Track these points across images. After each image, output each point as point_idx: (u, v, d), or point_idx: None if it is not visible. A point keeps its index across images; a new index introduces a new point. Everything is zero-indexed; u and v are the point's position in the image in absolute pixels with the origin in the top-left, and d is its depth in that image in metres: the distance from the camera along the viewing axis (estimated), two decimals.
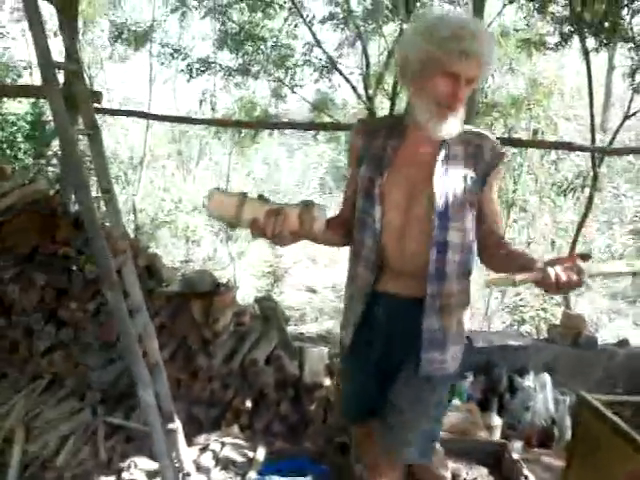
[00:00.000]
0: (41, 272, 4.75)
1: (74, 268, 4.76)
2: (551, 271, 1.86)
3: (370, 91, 9.19)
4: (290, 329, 5.15)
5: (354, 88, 9.65)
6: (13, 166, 5.55)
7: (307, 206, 2.07)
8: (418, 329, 2.33)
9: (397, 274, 2.34)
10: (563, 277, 1.85)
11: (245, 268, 10.29)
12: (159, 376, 3.32)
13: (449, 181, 2.23)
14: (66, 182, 5.46)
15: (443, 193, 2.22)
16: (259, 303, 4.96)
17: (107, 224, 3.65)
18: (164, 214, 11.83)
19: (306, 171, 17.66)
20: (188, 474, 3.43)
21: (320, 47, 9.73)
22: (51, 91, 2.76)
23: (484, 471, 3.74)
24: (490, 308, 8.49)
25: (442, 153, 2.25)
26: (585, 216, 7.84)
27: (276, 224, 2.05)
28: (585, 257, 1.95)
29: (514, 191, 9.65)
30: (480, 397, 4.73)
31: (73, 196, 5.34)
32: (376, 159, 2.31)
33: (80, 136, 5.14)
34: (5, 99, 10.59)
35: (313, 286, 10.52)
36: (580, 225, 7.85)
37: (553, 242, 10.09)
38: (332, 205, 15.57)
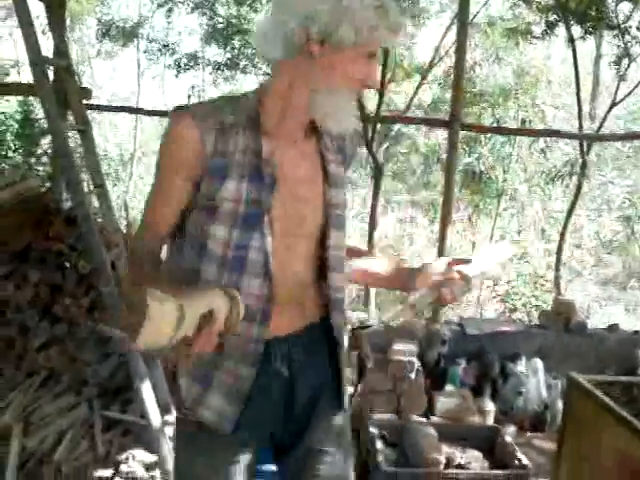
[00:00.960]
0: (35, 269, 4.77)
1: (67, 264, 4.78)
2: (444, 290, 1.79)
3: None
4: None
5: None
6: (3, 164, 5.54)
7: (234, 298, 1.58)
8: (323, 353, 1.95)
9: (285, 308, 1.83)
10: (448, 295, 1.79)
11: None
12: (155, 369, 3.35)
13: (336, 187, 1.88)
14: (57, 179, 5.47)
15: (335, 203, 1.87)
16: None
17: (100, 219, 3.67)
18: None
19: None
20: None
21: None
22: (42, 88, 2.80)
23: (478, 455, 3.79)
24: (482, 296, 8.58)
25: (327, 153, 1.87)
26: (574, 204, 7.90)
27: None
28: (465, 261, 1.84)
29: (504, 180, 9.72)
30: (473, 383, 4.78)
31: (65, 193, 5.36)
32: (250, 169, 1.71)
33: (71, 133, 5.16)
34: None
35: None
36: (569, 213, 7.91)
37: (543, 230, 10.19)
38: None
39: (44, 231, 4.84)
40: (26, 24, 2.71)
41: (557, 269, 7.67)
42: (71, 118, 3.12)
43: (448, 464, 3.56)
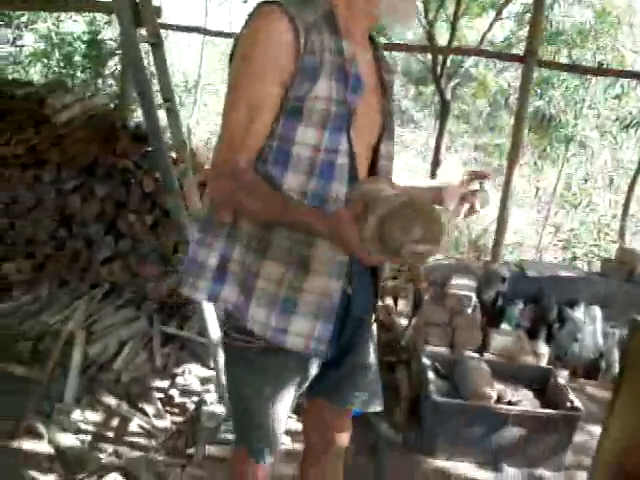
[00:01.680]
0: (101, 184, 4.88)
1: (132, 181, 4.87)
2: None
3: (430, 15, 8.92)
4: None
5: None
6: (72, 83, 5.62)
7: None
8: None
9: None
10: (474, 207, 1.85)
11: None
12: None
13: (390, 96, 1.86)
14: (125, 97, 5.52)
15: (389, 111, 1.85)
16: None
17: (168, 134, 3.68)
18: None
19: None
20: None
21: None
22: (120, 2, 2.80)
23: (529, 394, 3.78)
24: (542, 243, 8.41)
25: (383, 62, 1.85)
26: None
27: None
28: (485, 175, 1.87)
29: (574, 125, 9.39)
30: (528, 325, 4.73)
31: (131, 112, 5.42)
32: (337, 69, 1.61)
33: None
34: (62, 18, 10.65)
35: None
36: None
37: (612, 180, 9.86)
38: None
39: (111, 147, 4.93)
40: None
41: (623, 219, 7.46)
42: (144, 33, 3.09)
43: (499, 400, 3.56)
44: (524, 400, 3.67)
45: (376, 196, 1.49)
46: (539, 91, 9.52)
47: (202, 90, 12.65)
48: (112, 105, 5.37)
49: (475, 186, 1.84)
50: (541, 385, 3.87)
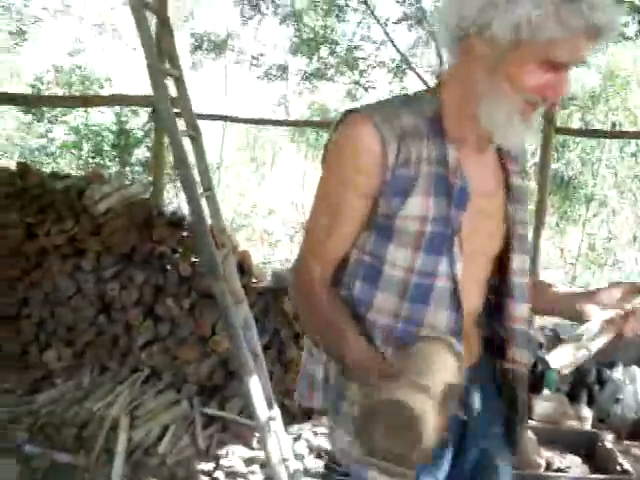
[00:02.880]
0: (139, 270, 5.02)
1: (169, 266, 5.00)
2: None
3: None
4: None
5: (428, 87, 9.66)
6: (110, 172, 5.86)
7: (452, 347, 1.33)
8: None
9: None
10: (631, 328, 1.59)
11: None
12: (260, 366, 3.47)
13: (519, 202, 1.65)
14: (158, 186, 5.72)
15: (519, 220, 1.64)
16: None
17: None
18: (241, 217, 12.19)
19: None
20: (287, 459, 3.57)
21: (394, 46, 9.81)
22: (160, 97, 2.97)
23: (577, 460, 3.75)
24: None
25: (509, 164, 1.64)
26: None
27: None
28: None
29: (593, 185, 9.50)
30: (568, 390, 4.71)
31: (166, 198, 5.59)
32: (437, 182, 1.46)
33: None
34: (89, 110, 11.11)
35: None
36: None
37: (635, 237, 9.89)
38: None
39: (148, 234, 5.09)
40: (144, 31, 2.88)
41: None
42: (181, 125, 3.27)
43: (548, 467, 3.54)
44: (572, 466, 3.64)
45: (394, 373, 1.25)
46: (556, 154, 9.70)
47: (225, 171, 13.01)
48: (147, 193, 5.56)
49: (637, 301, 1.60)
50: (588, 450, 3.84)
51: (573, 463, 3.69)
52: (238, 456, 4.23)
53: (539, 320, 6.20)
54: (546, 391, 4.37)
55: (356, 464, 1.55)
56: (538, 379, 4.32)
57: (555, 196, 9.97)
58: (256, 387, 3.23)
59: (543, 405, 4.08)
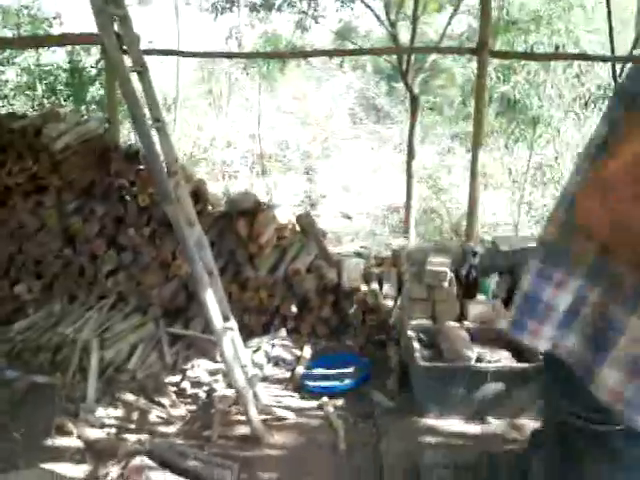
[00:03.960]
0: (100, 204, 5.26)
1: (128, 198, 5.25)
2: None
3: (392, 17, 9.36)
4: (330, 250, 5.60)
5: (377, 16, 9.83)
6: (65, 110, 5.97)
7: None
8: None
9: None
10: None
11: (281, 198, 10.77)
12: (215, 283, 3.78)
13: None
14: (114, 121, 5.89)
15: None
16: (298, 219, 5.40)
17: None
18: (200, 151, 12.32)
19: (335, 102, 17.84)
20: (245, 366, 3.92)
21: None
22: (107, 37, 3.18)
23: (507, 354, 4.16)
24: (518, 222, 8.83)
25: None
26: None
27: None
28: None
29: (539, 107, 9.83)
30: (505, 296, 5.12)
31: (120, 134, 5.78)
32: None
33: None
34: (40, 50, 11.02)
35: (348, 212, 10.94)
36: None
37: (578, 155, 10.21)
38: (363, 135, 15.79)
39: (106, 169, 5.31)
40: None
41: None
42: (128, 62, 3.47)
43: (479, 361, 3.96)
44: (502, 359, 4.06)
45: None
46: (502, 77, 9.99)
47: (181, 107, 13.04)
48: (102, 129, 5.73)
49: None
50: (517, 346, 4.26)
51: (502, 356, 4.11)
52: (203, 368, 4.61)
53: (481, 236, 6.63)
54: (481, 297, 4.78)
55: (632, 409, 1.38)
56: (473, 286, 4.73)
57: (503, 118, 10.33)
58: (212, 300, 3.54)
59: (477, 309, 4.47)
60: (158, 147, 3.55)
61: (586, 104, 8.38)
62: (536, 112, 9.57)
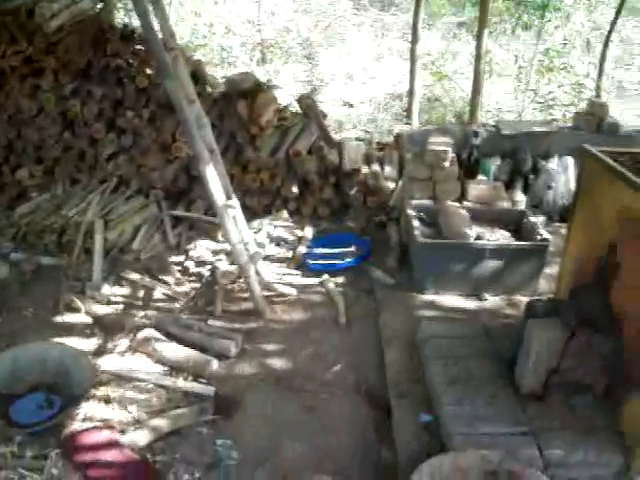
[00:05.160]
0: (97, 85, 5.18)
1: (126, 80, 5.16)
2: None
3: None
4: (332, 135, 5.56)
5: None
6: None
7: None
8: None
9: None
10: None
11: (283, 84, 10.59)
12: (216, 160, 3.78)
13: None
14: (108, 2, 5.71)
15: None
16: (299, 101, 5.33)
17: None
18: (198, 39, 11.97)
19: None
20: (247, 243, 3.98)
21: None
22: None
23: (506, 234, 4.22)
24: (522, 108, 8.68)
25: None
26: (618, 12, 7.78)
27: None
28: None
29: None
30: (507, 179, 5.13)
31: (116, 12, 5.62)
32: None
33: None
34: None
35: (350, 100, 10.75)
36: (613, 23, 7.81)
37: (588, 42, 10.00)
38: (365, 22, 15.32)
39: (102, 49, 5.20)
40: None
41: (599, 76, 7.75)
42: None
43: (478, 239, 4.01)
44: (501, 238, 4.12)
45: None
46: None
47: None
48: (96, 9, 5.57)
49: None
50: (516, 226, 4.31)
51: (502, 235, 4.17)
52: (205, 248, 4.69)
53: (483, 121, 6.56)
54: (483, 177, 4.79)
55: None
56: (474, 166, 4.73)
57: (511, 2, 9.95)
58: (213, 177, 3.56)
59: (478, 189, 4.49)
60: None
61: None
62: None
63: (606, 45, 7.87)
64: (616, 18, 7.84)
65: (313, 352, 3.63)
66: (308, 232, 4.82)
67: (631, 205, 2.77)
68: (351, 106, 10.43)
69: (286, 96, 5.31)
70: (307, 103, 5.22)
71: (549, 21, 9.66)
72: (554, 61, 9.26)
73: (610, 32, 7.89)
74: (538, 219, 4.84)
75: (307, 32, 13.60)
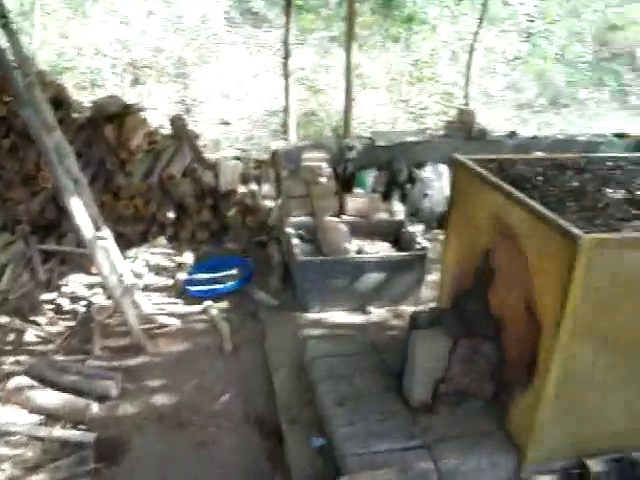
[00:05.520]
0: None
1: None
2: None
3: None
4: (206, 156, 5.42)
5: None
6: None
7: None
8: None
9: None
10: None
11: (156, 106, 10.30)
12: (82, 190, 3.57)
13: None
14: None
15: None
16: (171, 122, 5.17)
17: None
18: (65, 61, 11.50)
19: (209, 6, 17.04)
20: (121, 275, 3.78)
21: None
22: None
23: (386, 245, 4.25)
24: (395, 119, 8.88)
25: None
26: (481, 21, 8.12)
27: None
28: None
29: (414, 4, 9.75)
30: (383, 190, 5.19)
31: None
32: None
33: None
34: None
35: (227, 118, 10.64)
36: (476, 34, 8.15)
37: (454, 52, 10.38)
38: (239, 40, 15.26)
39: None
40: None
41: (466, 85, 8.04)
42: None
43: (359, 253, 4.01)
44: (381, 250, 4.14)
45: None
46: None
47: (40, 12, 12.03)
48: None
49: None
50: (396, 236, 4.35)
51: (382, 247, 4.20)
52: (79, 283, 4.44)
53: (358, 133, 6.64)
54: (359, 190, 4.82)
55: None
56: (350, 179, 4.75)
57: (379, 15, 10.17)
58: (78, 207, 3.36)
59: (355, 202, 4.49)
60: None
61: (459, 0, 8.38)
62: (411, 9, 9.51)
63: (471, 54, 8.19)
64: (478, 28, 8.18)
65: (199, 384, 3.49)
66: (188, 257, 4.67)
67: (500, 211, 2.82)
68: (228, 124, 10.33)
69: (160, 117, 5.14)
70: (178, 124, 5.08)
71: (416, 33, 9.96)
72: (423, 72, 9.56)
73: (474, 42, 8.22)
74: (417, 228, 4.93)
75: (180, 51, 13.40)
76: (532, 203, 2.56)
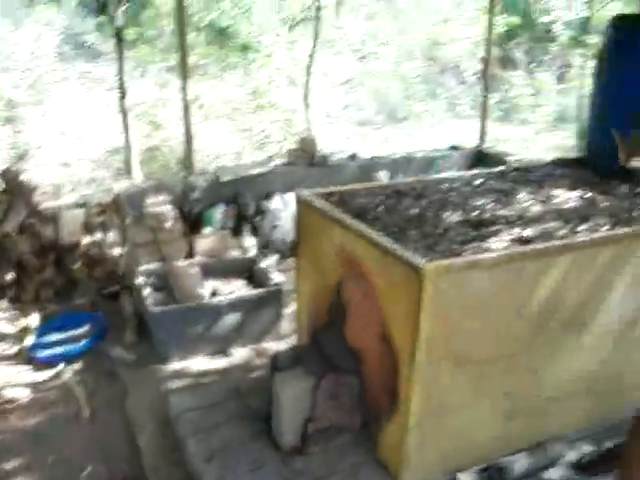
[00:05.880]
0: None
1: None
2: None
3: None
4: (47, 204, 5.13)
5: None
6: None
7: None
8: None
9: None
10: None
11: None
12: None
13: None
14: None
15: None
16: (2, 176, 4.85)
17: None
18: None
19: (39, 41, 16.29)
20: None
21: None
22: None
23: (240, 283, 4.22)
24: (240, 149, 8.87)
25: None
26: (314, 45, 8.33)
27: None
28: None
29: (249, 33, 9.84)
30: (233, 225, 5.16)
31: None
32: None
33: None
34: None
35: (67, 160, 10.21)
36: (311, 57, 8.36)
37: (291, 78, 10.56)
38: (74, 76, 14.72)
39: None
40: None
41: (306, 109, 8.20)
42: None
43: (214, 295, 3.95)
44: (235, 289, 4.09)
45: None
46: (207, 4, 9.78)
47: None
48: None
49: None
50: (250, 273, 4.33)
51: (236, 286, 4.16)
52: None
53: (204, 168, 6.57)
54: (208, 229, 4.76)
55: None
56: (198, 220, 4.69)
57: (213, 46, 10.16)
58: None
59: (204, 242, 4.44)
60: None
61: (291, 27, 8.56)
62: (245, 39, 9.58)
63: (308, 78, 8.37)
64: (313, 52, 8.39)
65: (57, 459, 3.26)
66: (34, 319, 4.38)
67: (346, 245, 2.86)
68: (68, 166, 9.92)
69: None
70: (10, 177, 4.77)
71: (254, 61, 10.04)
72: (262, 99, 9.64)
73: (310, 66, 8.40)
74: (271, 260, 4.95)
75: (10, 92, 12.74)
76: (374, 235, 2.62)
